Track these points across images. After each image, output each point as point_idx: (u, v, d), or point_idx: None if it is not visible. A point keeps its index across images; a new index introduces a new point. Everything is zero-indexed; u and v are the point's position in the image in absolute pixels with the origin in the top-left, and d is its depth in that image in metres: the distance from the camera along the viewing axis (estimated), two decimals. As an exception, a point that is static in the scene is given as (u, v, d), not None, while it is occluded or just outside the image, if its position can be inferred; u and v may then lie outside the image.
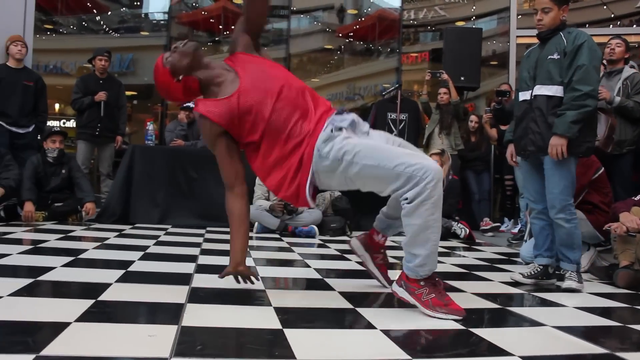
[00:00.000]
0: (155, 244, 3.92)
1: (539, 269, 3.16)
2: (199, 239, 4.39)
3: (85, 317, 1.89)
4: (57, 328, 1.72)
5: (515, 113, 3.28)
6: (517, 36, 8.02)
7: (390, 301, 2.44)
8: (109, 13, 9.33)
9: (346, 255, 3.89)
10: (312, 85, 8.97)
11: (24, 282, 2.37)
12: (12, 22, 6.03)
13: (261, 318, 2.04)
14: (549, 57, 3.04)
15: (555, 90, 2.99)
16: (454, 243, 5.21)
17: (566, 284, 2.99)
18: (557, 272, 3.17)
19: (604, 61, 4.48)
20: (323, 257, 3.98)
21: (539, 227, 3.22)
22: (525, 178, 3.32)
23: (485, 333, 2.00)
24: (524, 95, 3.16)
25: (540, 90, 3.05)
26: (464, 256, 4.36)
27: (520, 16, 8.26)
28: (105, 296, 2.21)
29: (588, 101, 2.90)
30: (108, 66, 6.18)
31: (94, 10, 9.09)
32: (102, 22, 9.11)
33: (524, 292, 2.94)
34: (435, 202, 2.13)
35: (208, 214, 5.38)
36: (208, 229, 5.16)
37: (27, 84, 5.67)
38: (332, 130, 2.27)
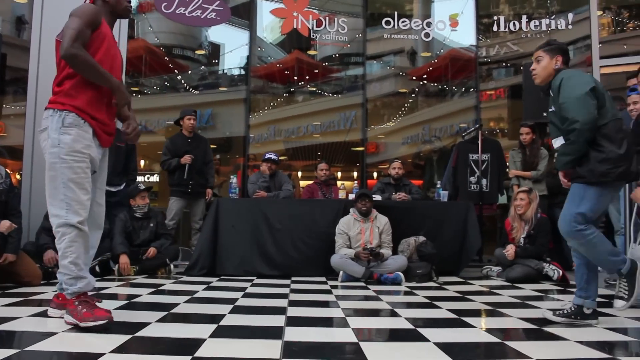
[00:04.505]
0: (243, 296, 3.98)
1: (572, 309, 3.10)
2: (286, 290, 4.41)
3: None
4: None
5: None
6: (601, 66, 7.75)
7: (495, 352, 2.32)
8: (189, 72, 9.77)
9: (435, 303, 3.79)
10: (387, 129, 8.98)
11: (123, 338, 2.46)
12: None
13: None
14: (550, 110, 3.11)
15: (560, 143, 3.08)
16: (546, 286, 4.95)
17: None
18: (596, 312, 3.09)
19: None
20: (412, 305, 3.87)
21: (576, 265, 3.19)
22: None
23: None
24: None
25: (555, 143, 3.15)
26: (559, 300, 4.11)
27: (600, 45, 8.00)
28: (201, 352, 2.26)
29: (575, 133, 2.92)
30: (195, 124, 6.45)
31: (175, 71, 9.54)
32: (182, 81, 9.52)
33: (633, 339, 2.73)
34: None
35: (292, 264, 5.42)
36: (293, 279, 5.18)
37: (119, 145, 5.97)
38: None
